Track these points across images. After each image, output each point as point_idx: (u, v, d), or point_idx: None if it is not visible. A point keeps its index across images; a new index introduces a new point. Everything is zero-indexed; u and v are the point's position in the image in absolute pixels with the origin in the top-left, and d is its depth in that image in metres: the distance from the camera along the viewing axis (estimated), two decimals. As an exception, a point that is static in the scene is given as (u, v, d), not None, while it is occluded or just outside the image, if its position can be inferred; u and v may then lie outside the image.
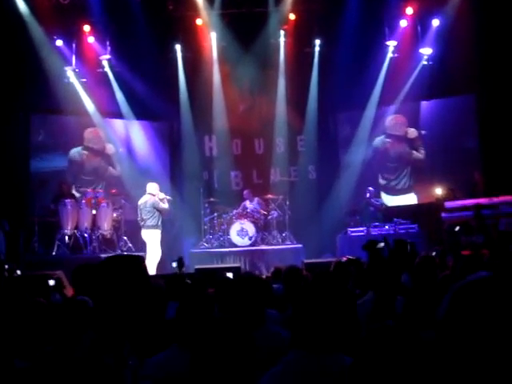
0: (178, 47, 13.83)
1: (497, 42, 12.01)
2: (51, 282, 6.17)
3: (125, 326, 2.35)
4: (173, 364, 2.84)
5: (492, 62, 12.18)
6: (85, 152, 13.59)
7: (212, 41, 13.86)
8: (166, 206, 10.96)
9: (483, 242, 9.78)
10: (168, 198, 11.14)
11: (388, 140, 14.18)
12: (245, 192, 13.35)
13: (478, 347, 1.09)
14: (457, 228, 10.08)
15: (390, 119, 14.15)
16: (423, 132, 13.95)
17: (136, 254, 11.87)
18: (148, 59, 13.10)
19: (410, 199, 13.98)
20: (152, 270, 10.41)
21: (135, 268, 2.63)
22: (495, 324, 1.08)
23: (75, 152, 13.51)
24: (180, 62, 13.96)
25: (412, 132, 14.06)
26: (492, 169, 12.38)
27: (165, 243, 12.19)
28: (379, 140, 14.18)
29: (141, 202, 11.06)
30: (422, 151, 13.96)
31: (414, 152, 14.02)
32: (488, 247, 7.83)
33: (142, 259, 2.77)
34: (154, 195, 10.95)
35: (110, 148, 13.80)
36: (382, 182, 13.99)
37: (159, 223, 10.96)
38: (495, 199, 10.45)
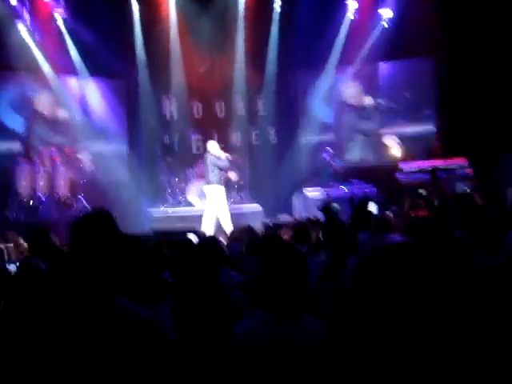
0: (134, 1, 13.44)
1: (456, 6, 12.04)
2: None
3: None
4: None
5: (452, 25, 12.22)
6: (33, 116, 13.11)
7: (170, -2, 13.53)
8: (224, 163, 10.89)
9: (439, 205, 9.99)
10: (227, 155, 11.04)
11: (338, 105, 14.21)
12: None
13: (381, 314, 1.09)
14: (420, 190, 10.27)
15: (345, 86, 14.13)
16: (379, 101, 13.98)
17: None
18: (103, 14, 12.61)
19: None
20: (212, 226, 10.43)
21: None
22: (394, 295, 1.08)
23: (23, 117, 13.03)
24: (137, 18, 13.59)
25: (368, 100, 14.08)
26: (449, 131, 12.55)
27: (122, 203, 12.08)
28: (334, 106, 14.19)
29: (203, 160, 11.19)
30: (377, 119, 13.97)
31: (366, 122, 14.03)
32: (442, 210, 8.00)
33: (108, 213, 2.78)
34: (212, 154, 10.91)
35: (60, 113, 13.36)
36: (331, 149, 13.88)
37: (221, 180, 10.94)
38: (450, 161, 10.62)
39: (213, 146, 11.06)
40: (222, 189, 10.94)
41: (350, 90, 14.17)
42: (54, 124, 13.23)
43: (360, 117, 14.12)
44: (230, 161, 10.99)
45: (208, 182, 10.91)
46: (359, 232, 5.71)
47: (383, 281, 1.10)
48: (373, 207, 8.83)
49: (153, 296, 2.79)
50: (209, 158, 10.89)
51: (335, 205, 5.80)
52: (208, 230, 9.97)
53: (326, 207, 5.65)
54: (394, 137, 12.78)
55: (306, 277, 2.69)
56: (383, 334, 1.09)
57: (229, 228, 10.17)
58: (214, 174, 10.80)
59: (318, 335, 2.34)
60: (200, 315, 2.12)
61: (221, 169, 10.88)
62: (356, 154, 14.19)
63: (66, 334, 1.98)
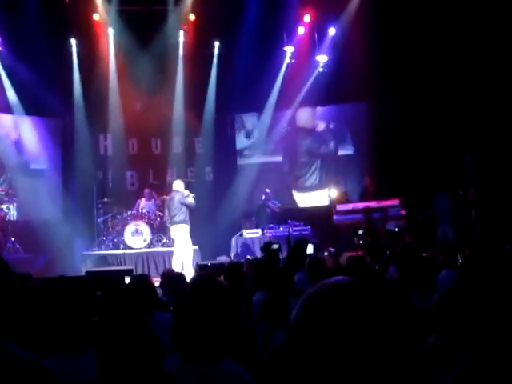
0: (73, 41, 13.37)
1: (389, 51, 12.54)
2: None
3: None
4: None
5: (383, 70, 12.70)
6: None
7: (109, 37, 13.53)
8: (192, 200, 10.90)
9: (371, 244, 10.20)
10: (192, 194, 11.03)
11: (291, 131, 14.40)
12: (146, 191, 13.06)
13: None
14: (360, 231, 10.46)
15: (299, 112, 14.39)
16: (331, 126, 14.30)
17: (26, 255, 11.40)
18: (41, 53, 12.50)
19: (322, 195, 14.13)
20: (187, 265, 10.30)
21: None
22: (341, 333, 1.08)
23: None
24: (75, 57, 13.51)
25: (321, 124, 14.37)
26: (382, 173, 12.90)
27: (55, 244, 11.78)
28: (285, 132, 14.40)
29: (166, 199, 11.21)
30: (332, 144, 14.30)
31: (323, 145, 14.32)
32: (373, 250, 8.17)
33: None
34: (179, 191, 10.91)
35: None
36: (291, 179, 14.05)
37: (187, 218, 10.88)
38: (384, 202, 10.89)
39: (179, 185, 11.08)
40: (187, 228, 10.94)
41: (304, 115, 14.41)
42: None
43: (316, 141, 14.36)
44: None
45: (174, 222, 10.88)
46: (295, 272, 5.77)
47: (332, 320, 1.09)
48: (309, 248, 8.94)
49: (76, 343, 2.66)
50: (176, 197, 10.85)
51: (275, 245, 5.86)
52: (177, 269, 9.83)
53: (266, 246, 5.70)
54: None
55: (229, 318, 2.65)
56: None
57: (189, 267, 10.23)
58: (181, 213, 10.79)
59: (237, 381, 2.30)
60: (125, 364, 2.05)
61: (188, 207, 10.87)
62: (314, 179, 14.36)
63: None
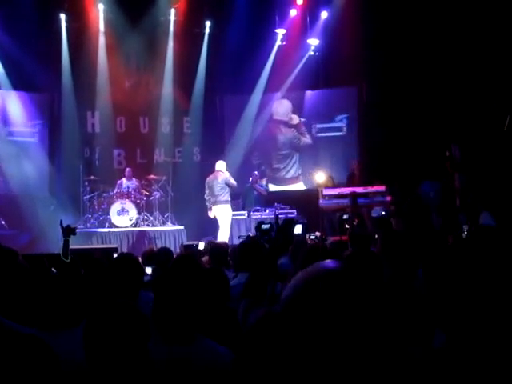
0: (62, 16, 13.20)
1: (380, 36, 12.53)
2: None
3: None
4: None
5: (374, 55, 12.70)
6: None
7: (99, 13, 13.37)
8: (234, 182, 11.34)
9: (357, 228, 10.26)
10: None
11: (269, 123, 14.42)
12: (127, 169, 13.03)
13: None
14: (345, 216, 10.50)
15: (276, 104, 14.40)
16: (303, 120, 14.32)
17: (10, 231, 11.35)
18: (30, 27, 12.37)
19: (299, 188, 14.26)
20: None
21: None
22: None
23: None
24: (64, 32, 13.34)
25: (295, 118, 14.40)
26: (368, 159, 12.97)
27: (40, 221, 11.73)
28: (264, 126, 14.42)
29: (209, 179, 11.40)
30: (308, 136, 14.35)
31: (302, 137, 14.37)
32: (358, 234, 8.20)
33: None
34: (223, 172, 11.23)
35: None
36: (269, 172, 14.09)
37: (229, 198, 11.30)
38: (370, 188, 10.95)
39: (222, 166, 11.38)
40: (230, 208, 11.36)
41: (281, 107, 14.41)
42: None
43: (296, 134, 14.39)
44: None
45: (218, 202, 11.23)
46: (281, 253, 5.77)
47: (325, 307, 1.12)
48: (298, 228, 8.99)
49: (63, 320, 2.67)
50: (220, 178, 11.17)
51: (266, 225, 5.87)
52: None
53: (258, 225, 5.71)
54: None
55: (206, 298, 2.65)
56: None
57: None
58: (225, 193, 11.19)
59: (215, 358, 2.33)
60: (113, 341, 2.06)
61: (231, 187, 11.23)
62: (294, 171, 14.40)
63: None
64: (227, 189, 11.29)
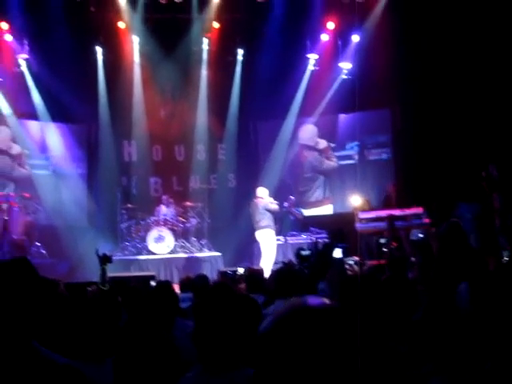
0: (98, 49, 13.54)
1: (412, 58, 12.49)
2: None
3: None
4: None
5: (407, 77, 12.65)
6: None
7: (134, 44, 13.69)
8: (275, 206, 11.53)
9: (396, 252, 10.12)
10: (275, 201, 11.63)
11: (296, 148, 14.45)
12: (164, 197, 13.18)
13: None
14: (382, 240, 10.40)
15: (302, 129, 14.43)
16: (332, 145, 14.31)
17: (50, 260, 11.54)
18: (67, 60, 12.75)
19: (327, 211, 14.22)
20: (268, 270, 9.94)
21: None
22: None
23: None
24: (100, 64, 13.69)
25: (322, 142, 14.40)
26: (404, 181, 12.83)
27: (79, 250, 11.92)
28: (292, 151, 14.45)
29: (251, 206, 11.65)
30: (334, 159, 14.31)
31: (326, 161, 14.34)
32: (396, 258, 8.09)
33: (26, 261, 2.67)
34: (263, 198, 11.46)
35: (15, 148, 13.25)
36: (295, 196, 13.99)
37: (271, 223, 11.40)
38: (407, 210, 10.80)
39: (263, 192, 11.56)
40: (272, 232, 11.44)
41: (306, 132, 14.45)
42: (11, 158, 13.12)
43: (320, 157, 14.38)
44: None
45: (259, 227, 11.36)
46: (320, 278, 5.73)
47: (294, 340, 1.13)
48: (338, 252, 8.92)
49: (99, 350, 2.68)
50: (260, 204, 11.34)
51: (305, 251, 5.84)
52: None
53: (297, 252, 5.68)
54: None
55: (247, 328, 2.64)
56: None
57: (269, 268, 10.39)
58: (265, 218, 11.31)
59: None
60: (143, 372, 2.05)
61: (272, 213, 11.37)
62: (319, 194, 14.37)
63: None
64: (267, 214, 11.38)
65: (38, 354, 2.06)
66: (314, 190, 14.43)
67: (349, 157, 14.29)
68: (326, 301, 1.15)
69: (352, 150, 14.24)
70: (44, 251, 11.74)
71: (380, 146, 14.04)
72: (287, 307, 1.16)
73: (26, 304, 2.13)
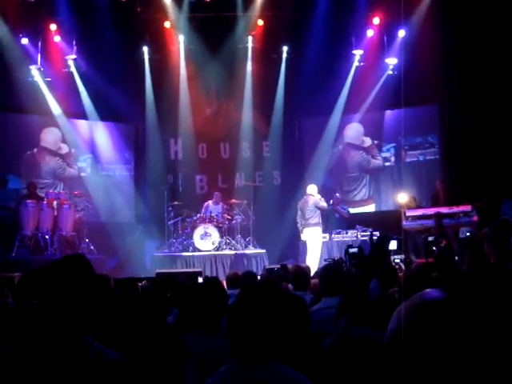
0: (145, 49, 13.75)
1: (461, 53, 12.25)
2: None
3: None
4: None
5: (455, 73, 12.41)
6: (40, 152, 13.39)
7: (180, 44, 13.83)
8: (325, 204, 11.61)
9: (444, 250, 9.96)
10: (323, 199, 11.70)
11: (341, 147, 14.38)
12: (215, 193, 13.26)
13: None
14: (430, 238, 10.24)
15: (347, 128, 14.33)
16: (376, 142, 14.19)
17: (99, 256, 11.78)
18: (115, 60, 12.99)
19: (370, 210, 14.14)
20: (314, 268, 9.92)
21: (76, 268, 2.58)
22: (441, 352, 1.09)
23: (28, 154, 13.28)
24: (147, 64, 13.89)
25: (367, 140, 14.27)
26: (453, 178, 12.60)
27: (126, 246, 12.14)
28: (336, 150, 14.37)
29: (301, 203, 11.62)
30: (379, 157, 14.17)
31: (372, 159, 14.22)
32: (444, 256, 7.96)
33: (82, 257, 2.73)
34: (313, 196, 11.50)
35: (64, 148, 13.59)
36: (339, 195, 13.88)
37: (320, 221, 11.54)
38: (455, 208, 10.61)
39: (313, 189, 11.58)
40: (320, 230, 11.50)
41: (352, 131, 14.35)
42: (61, 158, 13.46)
43: (366, 156, 14.27)
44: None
45: (308, 225, 11.40)
46: (374, 274, 5.63)
47: (425, 336, 1.12)
48: (393, 244, 8.81)
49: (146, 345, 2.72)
50: (311, 201, 11.38)
51: (353, 249, 5.79)
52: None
53: (346, 249, 5.63)
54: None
55: (285, 323, 2.63)
56: None
57: (315, 265, 10.42)
58: (315, 216, 11.36)
59: (290, 382, 2.31)
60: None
61: (322, 210, 11.42)
62: (364, 194, 14.27)
63: (36, 377, 1.99)
64: (317, 212, 11.39)
65: (91, 349, 2.12)
66: (359, 189, 14.33)
67: (395, 155, 14.13)
68: (444, 292, 1.15)
69: (397, 148, 14.07)
70: (93, 247, 11.99)
71: (427, 143, 13.82)
72: (412, 303, 1.15)
73: (82, 299, 2.19)
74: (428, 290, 1.17)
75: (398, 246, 8.80)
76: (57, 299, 2.14)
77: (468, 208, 10.48)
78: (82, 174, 13.58)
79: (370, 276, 4.42)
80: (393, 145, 14.14)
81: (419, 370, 1.09)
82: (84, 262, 2.35)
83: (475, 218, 10.35)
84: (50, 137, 13.46)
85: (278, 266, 8.60)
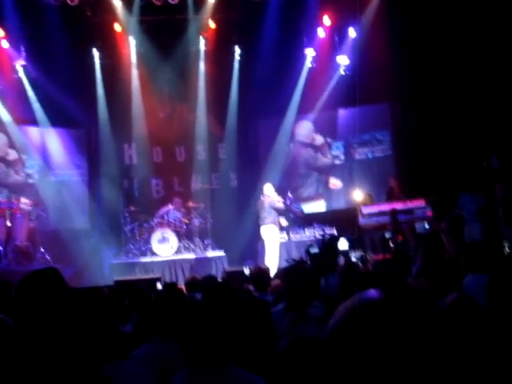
0: (95, 53, 13.56)
1: (410, 53, 12.48)
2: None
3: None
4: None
5: (405, 71, 12.64)
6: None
7: (131, 47, 13.68)
8: (281, 205, 11.61)
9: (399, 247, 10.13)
10: (281, 199, 11.70)
11: (292, 145, 14.46)
12: (175, 200, 13.14)
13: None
14: (387, 234, 10.40)
15: (298, 126, 14.44)
16: (329, 140, 14.33)
17: (55, 265, 11.54)
18: (65, 65, 12.76)
19: (319, 207, 14.24)
20: (273, 269, 9.55)
21: (52, 282, 2.52)
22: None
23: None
24: (98, 67, 13.69)
25: (319, 138, 14.41)
26: (406, 175, 12.83)
27: (83, 254, 11.94)
28: (288, 149, 14.47)
29: (258, 203, 11.77)
30: (329, 156, 14.32)
31: (321, 157, 14.35)
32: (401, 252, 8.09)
33: (55, 270, 2.67)
34: (269, 196, 11.56)
35: (12, 154, 13.25)
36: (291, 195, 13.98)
37: (276, 220, 11.57)
38: (409, 204, 10.80)
39: (269, 189, 11.66)
40: (276, 229, 11.54)
41: (302, 129, 14.46)
42: (7, 164, 13.15)
43: (314, 154, 14.40)
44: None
45: (263, 223, 11.46)
46: (326, 272, 5.71)
47: (365, 333, 1.15)
48: (343, 243, 8.90)
49: (113, 352, 2.69)
50: (266, 201, 11.45)
51: (314, 249, 5.82)
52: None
53: (307, 250, 5.67)
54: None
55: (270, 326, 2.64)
56: None
57: (274, 264, 10.57)
58: (270, 216, 11.42)
59: None
60: None
61: (277, 210, 11.48)
62: (312, 190, 14.37)
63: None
64: (273, 212, 11.46)
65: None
66: (306, 186, 14.44)
67: (344, 154, 14.30)
68: (381, 293, 1.18)
69: (346, 146, 14.25)
70: (48, 257, 11.75)
71: (375, 140, 14.04)
72: (347, 306, 1.18)
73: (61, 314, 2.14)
74: (368, 290, 1.21)
75: (349, 245, 8.92)
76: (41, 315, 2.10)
77: (422, 203, 10.68)
78: (30, 181, 13.23)
79: (320, 274, 4.47)
80: (341, 143, 14.30)
81: (357, 365, 1.12)
82: (57, 276, 2.31)
83: (429, 213, 10.56)
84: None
85: (239, 269, 8.60)
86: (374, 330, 1.11)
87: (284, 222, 12.16)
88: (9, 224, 11.51)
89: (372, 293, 1.19)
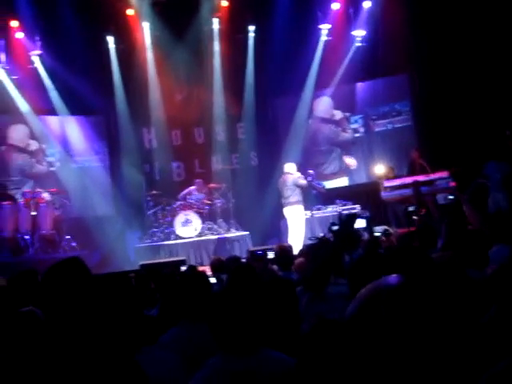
0: (110, 39, 13.54)
1: (427, 21, 12.26)
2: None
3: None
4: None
5: (423, 41, 12.44)
6: (7, 150, 13.16)
7: (144, 31, 13.64)
8: (304, 181, 11.37)
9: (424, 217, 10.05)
10: (303, 176, 11.49)
11: (312, 121, 14.34)
12: (197, 181, 13.17)
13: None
14: (411, 208, 10.31)
15: (317, 102, 14.30)
16: (347, 114, 14.18)
17: (81, 252, 11.68)
18: (80, 53, 12.75)
19: (342, 183, 14.16)
20: (296, 248, 9.21)
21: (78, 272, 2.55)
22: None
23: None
24: (113, 53, 13.68)
25: (338, 114, 14.27)
26: (428, 146, 12.68)
27: (108, 240, 12.05)
28: (307, 125, 14.35)
29: (279, 182, 11.57)
30: (349, 130, 14.19)
31: (342, 132, 14.23)
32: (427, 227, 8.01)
33: (78, 260, 2.69)
34: (291, 174, 11.33)
35: (33, 145, 13.37)
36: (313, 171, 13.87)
37: (301, 199, 11.32)
38: (432, 175, 10.70)
39: (291, 168, 11.43)
40: (302, 208, 11.33)
41: (322, 104, 14.33)
42: (29, 155, 13.26)
43: (335, 129, 14.29)
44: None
45: (288, 203, 11.26)
46: (346, 250, 5.69)
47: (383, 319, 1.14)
48: (361, 222, 8.86)
49: (141, 338, 2.68)
50: (289, 179, 11.23)
51: (335, 226, 5.76)
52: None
53: (329, 227, 5.62)
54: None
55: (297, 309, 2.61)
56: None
57: (300, 243, 10.22)
58: (294, 194, 11.20)
59: (279, 368, 2.29)
60: None
61: (302, 188, 11.24)
62: (335, 167, 14.28)
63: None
64: (297, 190, 11.26)
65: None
66: (329, 162, 14.33)
67: (364, 126, 14.15)
68: (401, 278, 1.17)
69: (365, 119, 14.10)
70: (74, 244, 11.88)
71: (394, 111, 13.86)
72: (372, 288, 1.17)
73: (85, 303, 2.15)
74: (388, 276, 1.20)
75: (367, 223, 8.87)
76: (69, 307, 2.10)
77: (444, 174, 10.57)
78: (52, 169, 13.34)
79: (342, 250, 4.45)
80: (360, 116, 14.15)
81: (377, 350, 1.11)
82: (80, 265, 2.32)
83: (452, 184, 10.45)
84: (17, 134, 13.23)
85: (263, 248, 8.57)
86: (395, 315, 1.10)
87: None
88: (34, 213, 11.64)
89: (392, 278, 1.18)
